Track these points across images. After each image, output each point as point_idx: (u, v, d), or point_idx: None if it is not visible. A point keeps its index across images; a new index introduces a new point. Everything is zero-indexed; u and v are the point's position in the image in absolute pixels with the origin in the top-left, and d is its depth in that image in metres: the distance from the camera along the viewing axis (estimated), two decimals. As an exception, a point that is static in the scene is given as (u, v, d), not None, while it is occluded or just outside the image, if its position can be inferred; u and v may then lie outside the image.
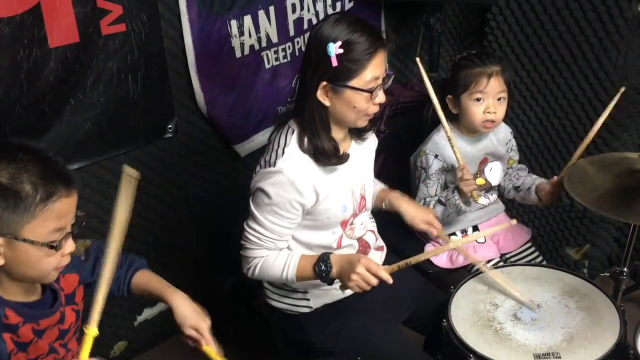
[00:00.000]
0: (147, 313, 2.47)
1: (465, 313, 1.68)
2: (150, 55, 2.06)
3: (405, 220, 1.85)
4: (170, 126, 2.21)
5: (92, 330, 1.19)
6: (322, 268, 1.58)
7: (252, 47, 2.30)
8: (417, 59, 1.90)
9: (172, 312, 1.50)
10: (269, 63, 2.37)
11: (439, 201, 1.98)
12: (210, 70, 2.21)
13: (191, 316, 1.48)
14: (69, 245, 1.25)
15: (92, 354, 1.62)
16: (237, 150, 2.43)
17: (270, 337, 1.95)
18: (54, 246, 1.19)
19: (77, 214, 1.26)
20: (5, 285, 1.25)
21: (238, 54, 2.27)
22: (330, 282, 1.62)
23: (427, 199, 2.03)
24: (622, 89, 1.95)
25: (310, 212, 1.62)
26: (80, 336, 1.44)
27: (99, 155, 2.08)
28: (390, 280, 1.54)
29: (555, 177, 1.97)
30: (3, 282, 1.24)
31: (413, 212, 1.84)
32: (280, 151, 1.59)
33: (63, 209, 1.20)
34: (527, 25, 2.53)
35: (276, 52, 2.38)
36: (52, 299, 1.35)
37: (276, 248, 1.64)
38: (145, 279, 1.57)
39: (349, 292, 1.74)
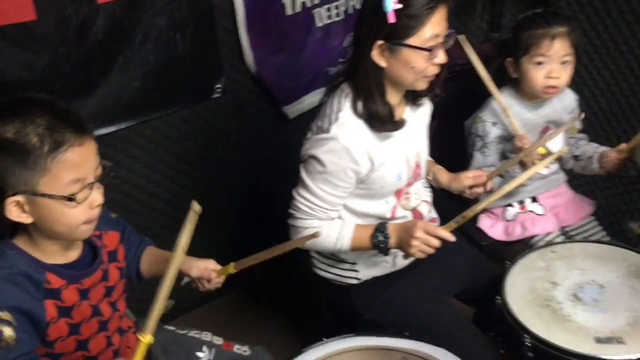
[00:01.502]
0: (194, 273, 2.47)
1: (521, 290, 1.59)
2: (199, 11, 1.99)
3: (450, 186, 1.78)
4: (218, 86, 2.16)
5: (147, 339, 1.15)
6: (379, 239, 1.53)
7: (303, 3, 2.20)
8: (462, 37, 1.76)
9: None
10: (320, 21, 2.28)
11: (500, 175, 1.87)
12: (260, 28, 2.13)
13: (195, 261, 1.50)
14: (96, 197, 1.20)
15: (141, 310, 1.62)
16: (286, 112, 2.36)
17: (313, 304, 1.92)
18: (73, 198, 1.15)
19: (104, 163, 1.22)
20: (43, 247, 1.22)
21: (289, 12, 2.18)
22: (387, 253, 1.57)
23: (484, 169, 1.92)
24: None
25: (364, 180, 1.55)
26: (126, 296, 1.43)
27: (147, 115, 2.05)
28: (452, 238, 1.49)
29: (624, 145, 1.83)
30: (40, 243, 1.22)
31: (456, 176, 1.78)
32: (333, 116, 1.51)
33: (76, 158, 1.14)
34: (600, -16, 2.34)
35: (329, 9, 2.28)
36: (92, 257, 1.32)
37: (328, 218, 1.58)
38: (151, 254, 1.53)
39: (400, 263, 1.69)
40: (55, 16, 1.71)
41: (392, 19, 1.39)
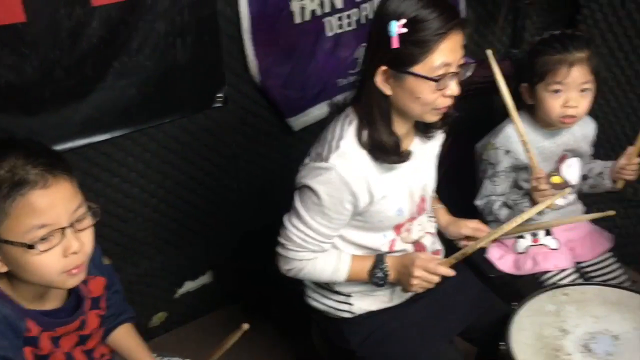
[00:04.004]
0: (188, 286, 2.40)
1: (527, 337, 1.47)
2: (201, 18, 1.90)
3: (447, 229, 1.68)
4: (220, 95, 2.06)
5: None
6: (378, 275, 1.46)
7: (313, 12, 2.09)
8: (489, 53, 1.64)
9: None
10: (331, 30, 2.17)
11: (505, 204, 1.76)
12: (266, 36, 2.03)
13: None
14: (71, 244, 1.09)
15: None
16: (291, 124, 2.26)
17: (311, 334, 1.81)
18: (32, 246, 1.05)
19: (90, 205, 1.13)
20: (23, 292, 1.14)
21: (297, 20, 2.07)
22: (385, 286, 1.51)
23: (493, 198, 1.80)
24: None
25: (361, 213, 1.45)
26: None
27: (144, 123, 1.96)
28: (451, 273, 1.44)
29: (630, 147, 1.73)
30: (20, 289, 1.14)
31: (456, 221, 1.67)
32: (334, 144, 1.40)
33: (39, 201, 1.04)
34: (630, 0, 2.19)
35: (340, 18, 2.16)
36: (75, 306, 1.23)
37: (321, 250, 1.48)
38: (125, 335, 1.44)
39: (397, 299, 1.59)
40: (46, 18, 1.63)
41: (395, 44, 1.28)
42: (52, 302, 1.19)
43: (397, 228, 1.53)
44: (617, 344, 1.44)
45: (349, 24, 2.20)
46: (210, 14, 1.91)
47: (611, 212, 1.59)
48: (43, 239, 1.06)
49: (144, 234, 2.16)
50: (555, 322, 1.51)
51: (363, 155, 1.40)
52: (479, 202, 1.85)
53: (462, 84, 2.07)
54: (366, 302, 1.57)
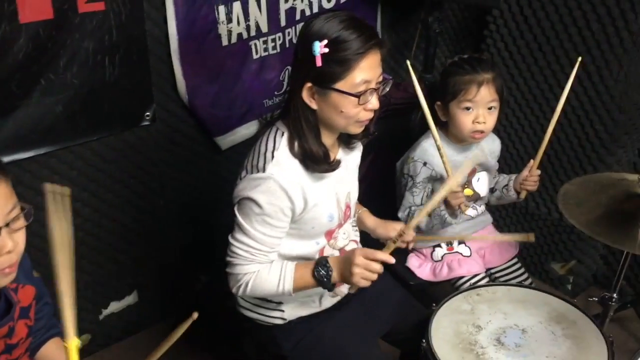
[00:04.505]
0: (114, 307, 2.36)
1: (446, 334, 1.59)
2: (130, 37, 1.93)
3: (375, 231, 1.77)
4: (148, 114, 2.09)
5: (73, 342, 1.08)
6: (321, 273, 1.47)
7: (239, 35, 2.18)
8: (408, 62, 1.78)
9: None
10: (257, 53, 2.26)
11: (442, 219, 1.89)
12: (194, 57, 2.09)
13: None
14: (6, 243, 1.10)
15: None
16: (218, 143, 2.31)
17: (239, 344, 1.85)
18: None
19: (22, 206, 1.15)
20: None
21: (225, 42, 2.15)
22: (331, 288, 1.53)
23: (413, 208, 1.93)
24: (580, 59, 1.84)
25: (296, 220, 1.52)
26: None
27: (70, 141, 1.96)
28: (391, 260, 1.45)
29: (531, 161, 1.92)
30: None
31: (383, 223, 1.77)
32: (269, 155, 1.47)
33: None
34: (528, 31, 2.44)
35: (265, 42, 2.26)
36: (5, 311, 1.22)
37: (267, 261, 1.52)
38: (54, 349, 1.42)
39: (325, 304, 1.66)
40: (-28, 34, 1.62)
41: (319, 62, 1.37)
42: None
43: (329, 234, 1.61)
44: (524, 336, 1.58)
45: (274, 48, 2.30)
46: (139, 34, 1.95)
47: (532, 238, 1.66)
48: None
49: (68, 253, 2.13)
50: (470, 320, 1.64)
51: (296, 164, 1.48)
52: (400, 214, 1.96)
53: (381, 105, 2.22)
54: (297, 309, 1.64)
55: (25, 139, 1.84)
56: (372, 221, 1.79)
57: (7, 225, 1.11)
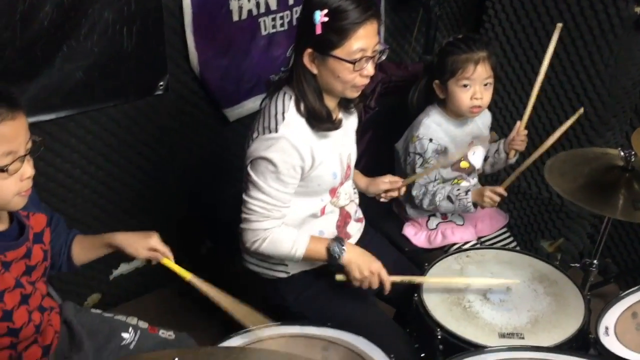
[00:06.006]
0: (123, 268, 2.48)
1: (436, 289, 1.72)
2: (147, 9, 2.04)
3: (367, 189, 1.91)
4: (161, 83, 2.20)
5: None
6: (335, 249, 1.62)
7: (249, 11, 2.29)
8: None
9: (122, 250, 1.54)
10: (265, 30, 2.37)
11: (448, 197, 1.99)
12: (206, 31, 2.20)
13: (138, 240, 1.53)
14: (27, 170, 1.25)
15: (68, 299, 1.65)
16: (227, 115, 2.43)
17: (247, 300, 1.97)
18: (5, 170, 1.19)
19: (34, 139, 1.27)
20: None
21: (235, 17, 2.26)
22: (337, 268, 1.66)
23: (429, 185, 2.03)
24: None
25: (304, 177, 1.63)
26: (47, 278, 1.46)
27: (87, 106, 2.07)
28: (387, 290, 1.68)
29: (518, 122, 2.03)
30: None
31: (373, 180, 1.91)
32: (280, 117, 1.58)
33: (9, 131, 1.19)
34: (525, 16, 2.55)
35: (274, 19, 2.37)
36: (19, 232, 1.35)
37: (281, 216, 1.63)
38: (82, 240, 1.58)
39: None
40: (2, 0, 1.72)
41: (319, 30, 1.49)
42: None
43: (333, 191, 1.74)
44: (508, 293, 1.71)
45: (282, 25, 2.41)
46: (155, 6, 2.06)
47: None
48: (8, 164, 1.19)
49: (82, 214, 2.25)
50: (460, 278, 1.77)
51: (304, 124, 1.61)
52: (415, 192, 2.05)
53: (382, 81, 2.32)
54: (300, 264, 1.75)
55: (46, 102, 1.95)
56: (364, 181, 1.93)
57: (27, 153, 1.24)
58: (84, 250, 1.58)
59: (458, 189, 2.01)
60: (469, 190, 1.98)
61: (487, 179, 2.53)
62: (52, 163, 2.08)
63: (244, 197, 1.64)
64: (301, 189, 1.66)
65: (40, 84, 1.91)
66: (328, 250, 1.63)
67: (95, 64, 2.00)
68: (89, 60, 1.98)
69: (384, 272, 1.64)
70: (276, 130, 1.57)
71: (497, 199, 1.90)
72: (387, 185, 1.87)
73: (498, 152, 2.12)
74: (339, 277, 1.68)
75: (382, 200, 1.91)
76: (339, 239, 1.65)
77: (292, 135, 1.56)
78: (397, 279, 1.68)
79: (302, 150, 1.57)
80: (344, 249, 1.63)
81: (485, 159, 2.17)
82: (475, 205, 1.97)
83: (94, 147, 2.17)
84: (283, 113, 1.59)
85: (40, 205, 1.48)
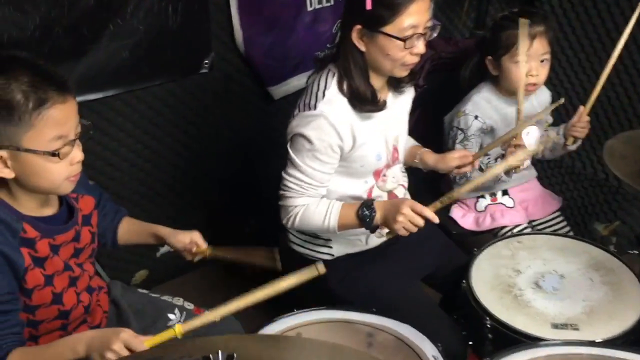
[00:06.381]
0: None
1: (485, 276, 1.66)
2: (192, -14, 2.03)
3: (437, 166, 1.81)
4: (206, 62, 2.19)
5: (177, 330, 1.21)
6: (365, 213, 1.54)
7: (295, -14, 2.24)
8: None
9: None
10: (311, 5, 2.32)
11: (480, 168, 1.93)
12: (251, 8, 2.17)
13: (184, 235, 1.61)
14: (77, 154, 1.24)
15: (115, 278, 1.68)
16: (272, 92, 2.40)
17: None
18: (56, 154, 1.19)
19: (83, 122, 1.26)
20: (21, 200, 1.26)
21: (280, -7, 2.22)
22: (373, 229, 1.59)
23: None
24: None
25: (346, 158, 1.60)
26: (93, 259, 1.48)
27: (133, 85, 2.08)
28: (436, 219, 1.49)
29: (581, 107, 1.90)
30: (19, 196, 1.26)
31: (442, 157, 1.81)
32: (320, 94, 1.55)
33: (59, 115, 1.18)
34: (583, -12, 2.41)
35: (319, -6, 2.32)
36: (68, 216, 1.36)
37: (317, 195, 1.61)
38: (129, 224, 1.61)
39: (372, 243, 1.74)
40: (50, -21, 1.73)
41: (369, 5, 1.43)
42: (48, 210, 1.32)
43: (377, 174, 1.69)
44: (562, 281, 1.64)
45: (328, 0, 2.35)
46: (200, -17, 2.04)
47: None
48: (59, 149, 1.19)
49: (129, 192, 2.27)
50: (510, 264, 1.71)
51: (345, 103, 1.56)
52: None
53: (431, 58, 2.23)
54: (344, 246, 1.73)
55: (93, 81, 1.96)
56: (432, 158, 1.83)
57: (76, 138, 1.24)
58: (129, 233, 1.61)
59: (488, 159, 1.95)
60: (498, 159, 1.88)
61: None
62: (100, 142, 2.10)
63: (283, 173, 1.62)
64: (343, 169, 1.63)
65: (87, 63, 1.92)
66: (358, 216, 1.56)
67: (140, 43, 2.00)
68: (135, 38, 1.98)
69: (418, 206, 1.47)
70: (315, 108, 1.54)
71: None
72: (457, 161, 1.79)
73: (559, 136, 2.01)
74: (386, 233, 1.58)
75: (455, 175, 1.85)
76: (367, 202, 1.56)
77: (330, 113, 1.53)
78: (434, 204, 1.52)
79: (340, 129, 1.53)
80: (374, 210, 1.53)
81: None
82: (508, 173, 1.82)
83: (140, 125, 2.18)
84: (324, 91, 1.55)
85: (88, 186, 1.49)
